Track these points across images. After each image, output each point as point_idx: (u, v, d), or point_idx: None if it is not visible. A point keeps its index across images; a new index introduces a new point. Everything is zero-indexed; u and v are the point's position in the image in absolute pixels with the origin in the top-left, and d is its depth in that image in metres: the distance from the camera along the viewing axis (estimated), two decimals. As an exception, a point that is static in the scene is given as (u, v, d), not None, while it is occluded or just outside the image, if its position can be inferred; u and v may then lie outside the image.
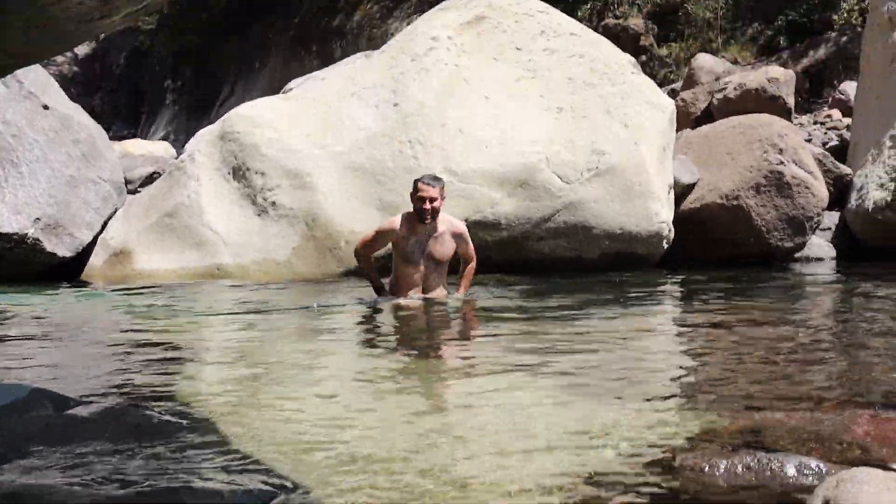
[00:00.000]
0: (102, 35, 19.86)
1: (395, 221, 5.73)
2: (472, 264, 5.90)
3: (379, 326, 4.76)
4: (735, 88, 9.94)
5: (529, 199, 7.39)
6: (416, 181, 5.67)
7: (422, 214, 5.56)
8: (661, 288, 6.69)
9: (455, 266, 5.97)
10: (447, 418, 2.82)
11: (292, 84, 10.28)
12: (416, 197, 5.58)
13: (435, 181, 5.63)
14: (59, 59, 21.64)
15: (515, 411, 2.84)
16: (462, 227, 5.89)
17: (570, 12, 12.36)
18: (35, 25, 3.18)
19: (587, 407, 2.87)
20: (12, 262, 7.65)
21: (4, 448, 2.05)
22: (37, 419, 2.26)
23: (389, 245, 5.82)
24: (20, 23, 3.06)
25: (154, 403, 2.86)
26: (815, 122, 11.46)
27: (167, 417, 2.54)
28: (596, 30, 12.41)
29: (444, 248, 5.72)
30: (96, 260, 7.95)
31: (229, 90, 17.58)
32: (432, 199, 5.55)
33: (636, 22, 14.67)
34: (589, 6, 14.81)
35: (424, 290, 5.70)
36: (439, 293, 5.75)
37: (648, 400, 2.98)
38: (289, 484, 2.10)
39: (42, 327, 5.27)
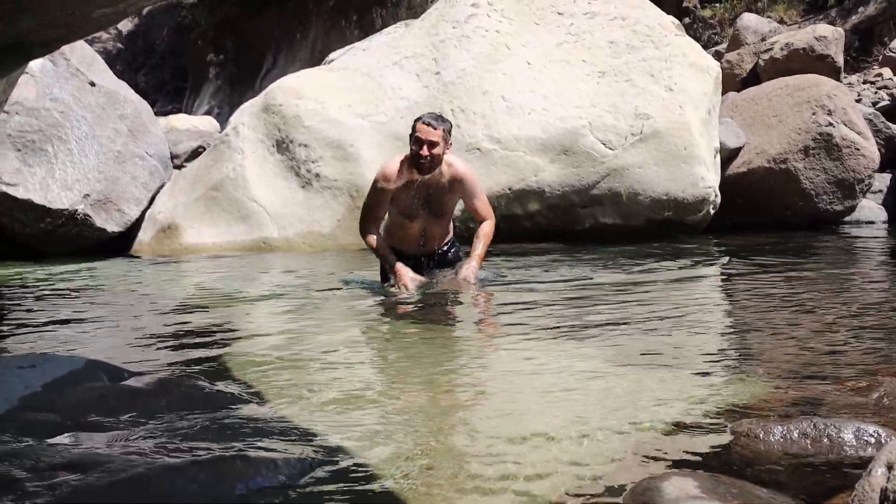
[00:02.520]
0: (146, 10, 19.99)
1: (390, 170, 4.84)
2: (488, 224, 4.94)
3: (421, 303, 4.76)
4: (782, 48, 9.74)
5: (573, 165, 7.32)
6: (414, 120, 4.82)
7: (417, 162, 4.69)
8: (709, 254, 6.61)
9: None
10: (492, 393, 2.82)
11: (333, 55, 10.26)
12: (413, 139, 4.73)
13: (438, 121, 4.73)
14: (104, 35, 21.82)
15: (562, 382, 2.83)
16: (463, 171, 4.88)
17: (612, -25, 12.17)
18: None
19: (635, 376, 2.85)
20: (63, 238, 7.78)
21: (61, 418, 2.09)
22: (92, 390, 2.30)
23: None
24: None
25: (206, 375, 2.90)
26: (865, 82, 11.19)
27: (219, 388, 2.57)
28: (638, -8, 12.19)
29: (445, 199, 4.89)
30: (144, 235, 8.05)
31: (271, 62, 17.62)
32: (431, 144, 4.65)
33: (679, -17, 14.38)
34: (631, -32, 14.53)
35: (425, 245, 4.97)
36: (439, 241, 5.01)
37: (699, 369, 2.95)
38: (339, 453, 2.12)
39: (95, 301, 5.36)
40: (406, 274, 4.75)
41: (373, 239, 4.87)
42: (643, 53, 7.80)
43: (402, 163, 4.82)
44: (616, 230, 7.35)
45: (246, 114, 8.26)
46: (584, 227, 7.41)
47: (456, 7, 8.34)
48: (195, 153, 8.97)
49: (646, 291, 4.70)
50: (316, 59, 13.86)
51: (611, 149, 7.31)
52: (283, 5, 17.49)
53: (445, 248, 5.08)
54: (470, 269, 4.80)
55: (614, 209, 7.34)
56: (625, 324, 3.76)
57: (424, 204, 4.86)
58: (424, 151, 4.66)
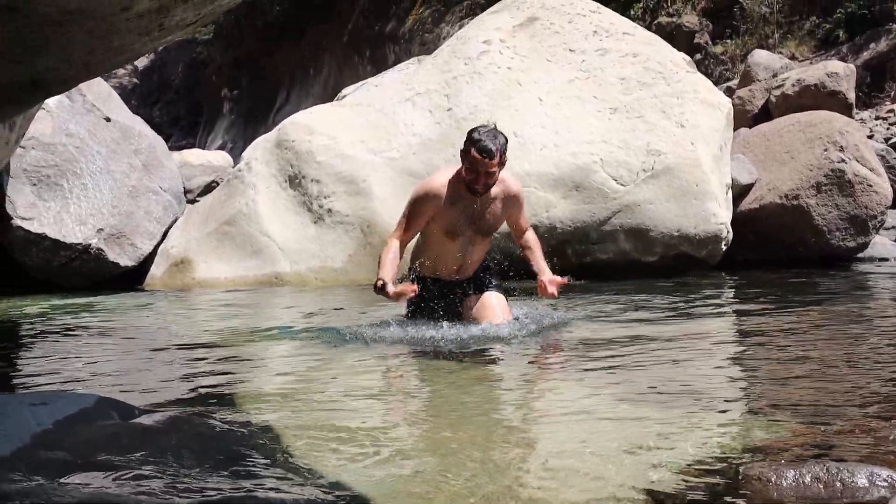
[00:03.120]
0: (161, 47, 20.20)
1: (437, 185, 4.45)
2: (532, 232, 4.78)
3: (435, 336, 4.75)
4: (793, 84, 9.76)
5: (584, 201, 7.34)
6: (469, 138, 4.36)
7: (472, 187, 4.38)
8: (721, 291, 6.59)
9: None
10: (498, 431, 2.81)
11: (346, 91, 10.35)
12: (468, 164, 4.34)
13: (496, 144, 4.31)
14: (120, 71, 22.07)
15: (572, 419, 2.82)
16: (517, 189, 4.65)
17: (623, 11, 12.27)
18: (97, 37, 3.25)
19: (645, 414, 2.84)
20: (76, 272, 7.82)
21: (72, 457, 2.09)
22: (103, 428, 2.30)
23: None
24: (82, 34, 3.13)
25: (216, 412, 2.90)
26: (877, 118, 11.21)
27: (229, 427, 2.56)
28: (649, 28, 12.29)
29: (494, 217, 4.58)
30: (157, 269, 8.09)
31: (285, 97, 17.78)
32: (489, 175, 4.35)
33: (690, 19, 14.49)
34: (642, 4, 14.68)
35: (461, 268, 4.63)
36: (476, 265, 4.71)
37: (709, 408, 2.94)
38: (349, 495, 2.11)
39: (106, 335, 5.37)
40: (389, 287, 4.26)
41: (386, 252, 4.40)
42: (655, 90, 7.84)
43: (451, 180, 4.46)
44: (628, 266, 7.34)
45: (259, 149, 8.32)
46: (595, 262, 7.41)
47: (468, 44, 8.41)
48: (208, 188, 9.03)
49: (657, 328, 4.69)
50: (329, 95, 13.99)
51: (622, 185, 7.32)
52: (298, 42, 17.68)
53: (479, 272, 4.76)
54: (547, 275, 4.54)
55: (626, 245, 7.33)
56: (635, 361, 3.75)
57: (471, 222, 4.50)
58: (480, 183, 4.37)
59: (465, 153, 4.37)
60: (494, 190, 4.49)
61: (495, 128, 4.43)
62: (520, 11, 8.58)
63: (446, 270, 4.61)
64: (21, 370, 4.26)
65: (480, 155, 4.29)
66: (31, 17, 2.70)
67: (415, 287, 4.31)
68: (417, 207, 4.47)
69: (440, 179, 4.49)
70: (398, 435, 2.71)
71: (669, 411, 2.86)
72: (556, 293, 4.53)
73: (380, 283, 4.25)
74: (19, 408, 2.21)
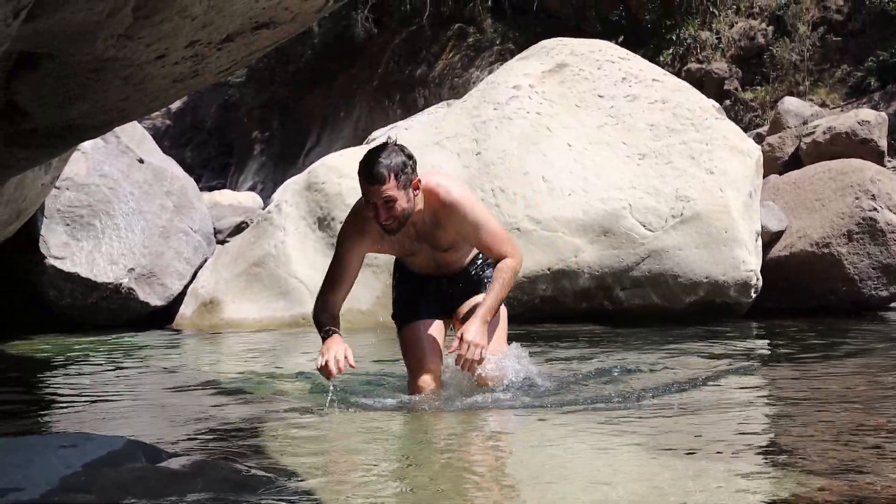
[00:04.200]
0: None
1: (359, 231, 3.68)
2: (507, 261, 3.68)
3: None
4: (824, 132, 9.72)
5: (612, 246, 7.32)
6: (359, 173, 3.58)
7: (382, 227, 3.56)
8: (750, 339, 6.53)
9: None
10: (523, 480, 2.79)
11: (376, 134, 10.43)
12: (365, 200, 3.61)
13: (383, 167, 3.47)
14: (154, 113, 22.46)
15: (588, 468, 2.79)
16: (451, 197, 3.63)
17: (652, 57, 12.32)
18: (132, 84, 3.32)
19: (672, 465, 2.80)
20: (106, 311, 7.89)
21: (100, 500, 2.10)
22: (131, 471, 2.31)
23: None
24: (118, 81, 3.20)
25: (243, 456, 2.90)
26: (909, 166, 11.11)
27: (255, 472, 2.56)
28: (678, 74, 12.32)
29: (438, 235, 3.75)
30: (186, 309, 8.15)
31: (315, 139, 17.96)
32: (388, 203, 3.49)
33: (719, 66, 14.52)
34: (671, 51, 14.73)
35: (440, 268, 3.91)
36: (459, 263, 3.92)
37: (738, 461, 2.89)
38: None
39: (134, 376, 5.41)
40: (333, 351, 3.51)
41: (323, 312, 3.68)
42: (684, 136, 7.85)
43: (367, 221, 3.68)
44: (655, 312, 7.30)
45: (289, 191, 8.40)
46: (623, 308, 7.37)
47: (498, 89, 8.47)
48: (238, 228, 9.11)
49: (684, 377, 4.64)
50: (359, 137, 14.12)
51: (651, 230, 7.31)
52: (329, 85, 17.90)
53: (467, 266, 3.96)
54: (472, 327, 3.58)
55: (654, 291, 7.30)
56: (663, 410, 3.71)
57: (421, 240, 3.77)
58: (383, 216, 3.50)
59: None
60: (424, 209, 3.64)
61: (393, 143, 3.61)
62: (549, 58, 8.64)
63: (424, 269, 3.95)
64: (50, 410, 4.29)
65: (367, 182, 3.49)
66: (69, 64, 2.76)
67: (350, 364, 3.53)
68: (342, 254, 3.73)
69: (364, 214, 3.63)
70: (424, 483, 2.70)
71: (697, 463, 2.83)
72: (470, 364, 3.59)
73: (327, 345, 3.56)
74: (48, 450, 2.23)
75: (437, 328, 3.99)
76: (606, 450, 3.06)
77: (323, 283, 3.76)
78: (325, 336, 3.60)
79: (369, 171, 3.51)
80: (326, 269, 3.81)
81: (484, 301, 3.69)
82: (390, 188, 3.48)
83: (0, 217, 5.92)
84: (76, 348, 6.67)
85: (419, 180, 3.64)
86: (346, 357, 3.51)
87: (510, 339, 4.10)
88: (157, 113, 22.36)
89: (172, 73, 3.36)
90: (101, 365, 5.82)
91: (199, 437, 3.44)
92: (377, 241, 3.72)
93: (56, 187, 7.48)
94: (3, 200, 5.66)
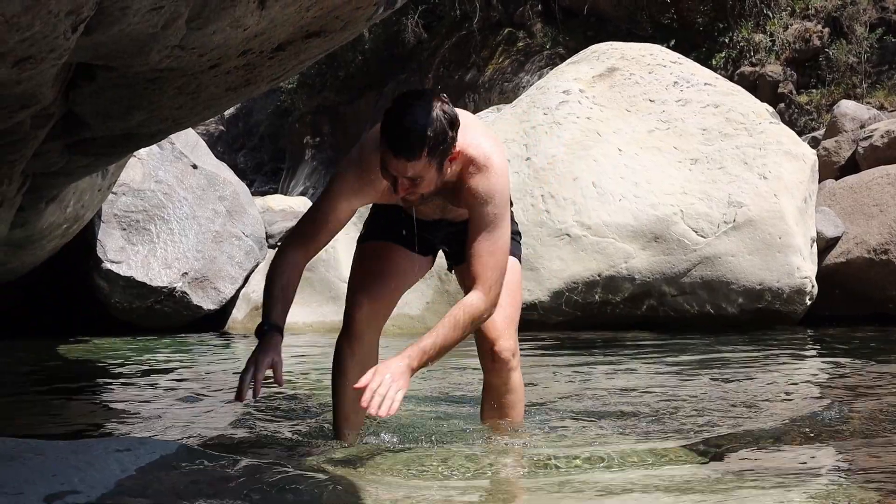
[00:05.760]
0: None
1: (356, 190, 2.85)
2: (477, 298, 2.75)
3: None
4: (882, 136, 9.53)
5: (664, 252, 7.26)
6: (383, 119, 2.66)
7: (395, 192, 2.71)
8: (804, 347, 6.42)
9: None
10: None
11: (426, 139, 10.48)
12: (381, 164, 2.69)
13: (417, 140, 2.56)
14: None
15: (653, 493, 2.76)
16: (488, 163, 2.76)
17: (705, 61, 12.19)
18: (186, 93, 3.37)
19: (718, 477, 2.76)
20: (159, 315, 8.03)
21: None
22: (184, 476, 2.34)
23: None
24: (173, 91, 3.26)
25: (296, 459, 2.93)
26: (971, 170, 10.84)
27: (309, 474, 2.58)
28: (731, 78, 12.18)
29: (456, 208, 2.95)
30: (238, 313, 8.25)
31: (365, 145, 18.04)
32: (413, 182, 2.65)
33: (774, 69, 14.31)
34: (724, 54, 14.56)
35: (446, 213, 3.06)
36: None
37: (801, 479, 2.83)
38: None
39: (187, 379, 5.48)
40: (252, 370, 2.69)
41: (278, 276, 2.84)
42: (736, 141, 7.75)
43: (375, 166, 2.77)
44: (707, 319, 7.22)
45: (340, 197, 8.46)
46: (674, 315, 7.30)
47: (547, 94, 8.45)
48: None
49: (740, 386, 4.58)
50: (409, 143, 14.18)
51: (703, 237, 7.23)
52: (379, 91, 18.00)
53: None
54: (393, 363, 2.64)
55: (706, 298, 7.22)
56: (711, 423, 3.66)
57: (435, 196, 2.83)
58: (401, 190, 2.67)
59: (380, 139, 2.67)
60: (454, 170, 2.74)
61: (438, 95, 2.67)
62: (599, 62, 8.60)
63: (427, 217, 3.04)
64: (105, 412, 4.37)
65: (393, 151, 2.59)
66: (125, 75, 2.82)
67: (279, 381, 2.81)
68: (332, 207, 2.85)
69: (373, 158, 2.73)
70: (485, 485, 2.69)
71: (742, 474, 2.79)
72: (379, 403, 2.55)
73: (264, 327, 2.80)
74: (105, 454, 2.27)
75: (412, 260, 3.17)
76: (654, 465, 3.03)
77: (294, 229, 2.92)
78: (261, 334, 2.76)
79: (399, 136, 2.56)
80: (306, 212, 2.96)
81: (420, 340, 2.69)
82: (420, 165, 2.58)
83: (60, 222, 6.06)
84: (131, 351, 6.80)
85: (459, 151, 2.71)
86: (275, 375, 2.71)
87: (561, 343, 4.08)
88: (210, 119, 22.71)
89: (225, 82, 3.41)
90: (154, 368, 5.91)
91: (251, 440, 3.48)
92: (377, 197, 2.90)
93: (113, 192, 7.63)
94: (63, 206, 5.78)
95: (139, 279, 7.87)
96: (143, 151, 8.02)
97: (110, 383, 5.42)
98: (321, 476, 2.66)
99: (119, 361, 6.27)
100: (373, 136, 2.79)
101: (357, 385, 2.60)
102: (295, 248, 2.89)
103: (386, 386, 2.56)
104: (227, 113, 23.51)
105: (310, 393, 4.73)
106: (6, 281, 7.36)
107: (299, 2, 2.86)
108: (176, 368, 5.92)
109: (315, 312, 7.87)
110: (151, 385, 5.21)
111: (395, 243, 3.15)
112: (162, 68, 2.85)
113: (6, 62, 1.99)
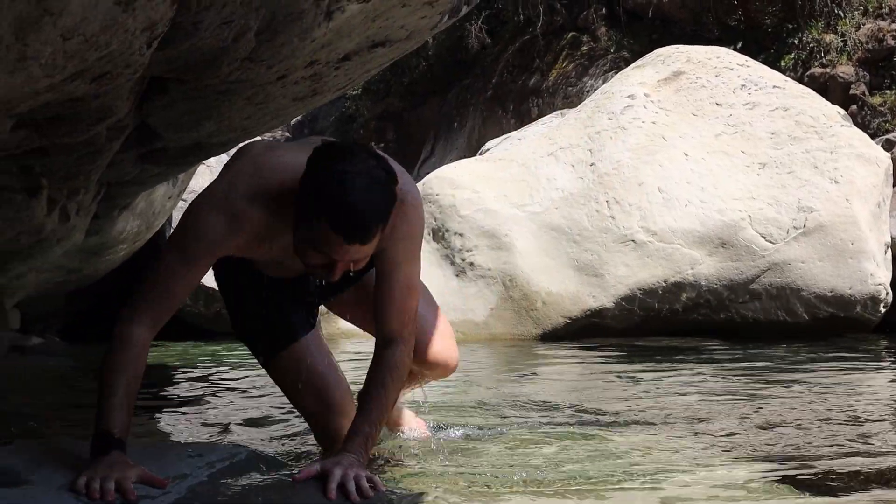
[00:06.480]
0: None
1: (230, 232, 2.22)
2: (401, 357, 2.42)
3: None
4: (959, 138, 9.26)
5: (731, 258, 7.16)
6: (320, 192, 2.06)
7: (316, 274, 2.22)
8: (880, 357, 6.26)
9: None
10: None
11: (489, 144, 10.48)
12: (312, 244, 2.11)
13: (372, 218, 2.08)
14: (273, 124, 23.10)
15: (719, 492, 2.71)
16: (414, 203, 2.40)
17: (773, 63, 11.98)
18: (255, 103, 3.44)
19: (788, 492, 2.70)
20: (229, 320, 8.14)
21: (225, 508, 2.17)
22: (253, 482, 2.37)
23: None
24: (242, 102, 3.32)
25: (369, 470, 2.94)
26: None
27: (377, 483, 2.59)
28: (801, 80, 11.93)
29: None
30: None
31: (429, 151, 18.14)
32: (357, 261, 2.16)
33: (845, 70, 13.99)
34: (793, 55, 14.28)
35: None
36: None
37: (863, 488, 2.76)
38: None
39: (254, 384, 5.56)
40: (111, 471, 1.98)
41: (122, 369, 2.16)
42: (806, 144, 7.61)
43: (268, 198, 2.21)
44: (776, 327, 7.09)
45: (404, 203, 8.52)
46: (742, 322, 7.19)
47: (612, 98, 8.40)
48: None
49: (811, 397, 4.47)
50: (473, 148, 14.19)
51: (771, 242, 7.11)
52: (443, 97, 18.06)
53: None
54: (344, 462, 2.22)
55: (775, 305, 7.09)
56: (772, 431, 3.56)
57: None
58: (337, 274, 2.16)
59: (308, 216, 2.10)
60: None
61: (380, 162, 2.17)
62: (665, 66, 8.52)
63: (293, 272, 2.57)
64: (175, 416, 4.46)
65: (346, 238, 2.07)
66: (196, 88, 2.89)
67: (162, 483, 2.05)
68: (195, 260, 2.27)
69: (241, 205, 2.20)
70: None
71: (811, 489, 2.72)
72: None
73: (103, 443, 2.06)
74: (177, 459, 2.32)
75: (322, 346, 2.88)
76: (726, 480, 2.97)
77: (140, 298, 2.28)
78: (98, 451, 2.05)
79: (352, 223, 2.07)
80: (151, 264, 2.35)
81: (357, 431, 2.32)
82: (374, 244, 2.16)
83: (132, 228, 6.21)
84: (201, 356, 6.92)
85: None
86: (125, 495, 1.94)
87: (627, 351, 4.00)
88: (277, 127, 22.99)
89: (293, 92, 3.47)
90: (223, 372, 6.01)
91: (318, 446, 3.51)
92: (241, 252, 2.36)
93: (182, 199, 7.78)
94: (136, 213, 5.93)
95: (207, 285, 8.00)
96: (211, 159, 8.16)
97: (181, 387, 5.53)
98: (389, 483, 2.67)
99: (190, 366, 6.40)
100: (245, 183, 2.22)
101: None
102: (143, 326, 2.24)
103: (354, 483, 2.17)
104: (293, 120, 23.81)
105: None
106: (80, 287, 7.56)
107: (365, 13, 2.90)
108: (244, 374, 6.01)
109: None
110: (220, 389, 5.29)
111: (298, 336, 2.75)
112: (231, 80, 2.91)
113: (85, 78, 2.05)
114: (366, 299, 2.61)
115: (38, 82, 1.82)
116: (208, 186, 2.27)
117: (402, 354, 2.41)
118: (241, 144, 2.73)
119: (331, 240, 2.10)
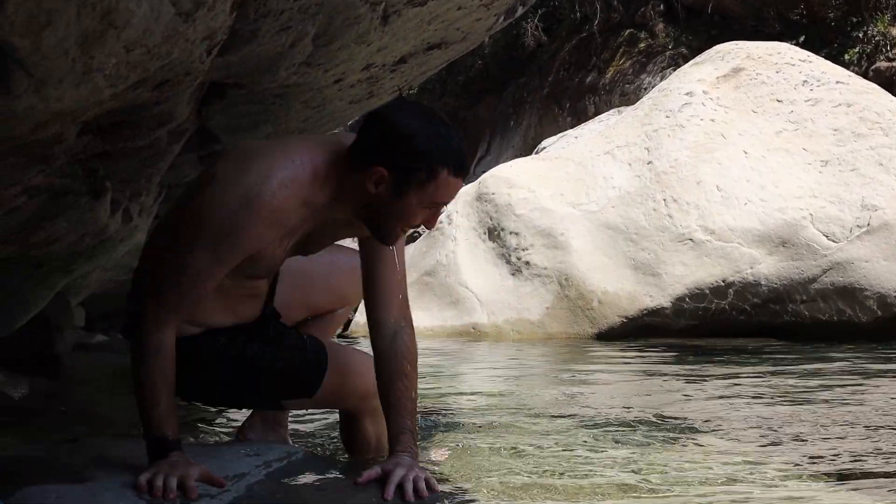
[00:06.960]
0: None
1: (282, 202, 2.07)
2: (412, 338, 2.45)
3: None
4: None
5: (792, 258, 7.04)
6: (421, 144, 2.08)
7: (402, 231, 2.27)
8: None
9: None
10: None
11: (546, 143, 10.45)
12: (427, 199, 2.13)
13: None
14: (330, 124, 23.32)
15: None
16: None
17: (837, 58, 11.74)
18: (312, 107, 3.48)
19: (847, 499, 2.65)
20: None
21: (282, 507, 2.20)
22: (310, 481, 2.41)
23: None
24: (299, 105, 3.36)
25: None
26: None
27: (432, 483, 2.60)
28: (865, 74, 11.69)
29: (336, 236, 2.47)
30: (361, 317, 8.41)
31: (485, 149, 18.14)
32: None
33: (912, 64, 13.65)
34: (857, 50, 13.99)
35: (270, 301, 2.50)
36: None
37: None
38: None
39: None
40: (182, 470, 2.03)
41: (163, 374, 2.16)
42: (871, 141, 7.45)
43: (305, 183, 2.11)
44: (839, 327, 6.95)
45: (460, 202, 8.54)
46: (802, 322, 7.06)
47: (670, 96, 8.32)
48: (411, 238, 9.34)
49: (876, 401, 4.38)
50: (529, 146, 14.16)
51: (834, 241, 6.97)
52: (499, 95, 18.04)
53: None
54: (403, 463, 2.23)
55: (837, 305, 6.96)
56: (847, 443, 3.50)
57: (297, 248, 2.32)
58: (434, 222, 2.25)
59: (418, 172, 2.10)
60: None
61: (413, 104, 2.26)
62: (724, 62, 8.41)
63: (248, 311, 2.45)
64: (227, 417, 4.52)
65: (463, 178, 2.19)
66: (255, 92, 2.93)
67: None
68: (233, 248, 2.12)
69: (283, 193, 2.08)
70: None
71: (871, 494, 2.67)
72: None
73: (166, 442, 2.10)
74: (236, 458, 2.36)
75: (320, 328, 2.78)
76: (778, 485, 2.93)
77: (168, 301, 2.17)
78: (161, 452, 2.09)
79: (461, 155, 2.17)
80: (170, 264, 2.17)
81: (402, 425, 2.32)
82: None
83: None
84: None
85: None
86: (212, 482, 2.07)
87: (685, 350, 3.95)
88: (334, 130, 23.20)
89: (349, 95, 3.50)
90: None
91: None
92: (277, 239, 2.20)
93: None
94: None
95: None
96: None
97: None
98: (446, 484, 2.68)
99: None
100: (277, 178, 2.09)
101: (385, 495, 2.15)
102: (172, 329, 2.19)
103: (413, 482, 2.18)
104: (349, 122, 23.98)
105: (427, 399, 4.78)
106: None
107: (420, 16, 2.91)
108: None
109: (436, 317, 7.96)
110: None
111: (306, 346, 2.55)
112: (289, 84, 2.95)
113: (147, 86, 2.10)
114: (301, 281, 2.58)
115: (103, 92, 1.87)
116: (232, 182, 2.09)
117: (412, 338, 2.41)
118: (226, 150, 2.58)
119: (450, 186, 2.16)
